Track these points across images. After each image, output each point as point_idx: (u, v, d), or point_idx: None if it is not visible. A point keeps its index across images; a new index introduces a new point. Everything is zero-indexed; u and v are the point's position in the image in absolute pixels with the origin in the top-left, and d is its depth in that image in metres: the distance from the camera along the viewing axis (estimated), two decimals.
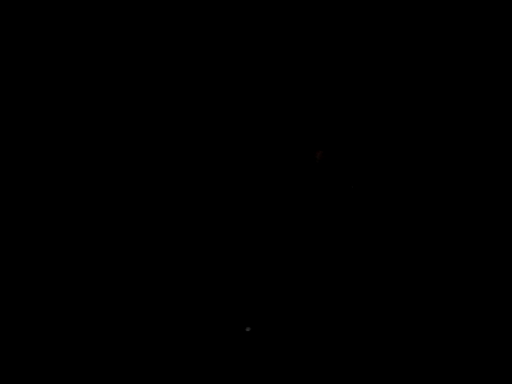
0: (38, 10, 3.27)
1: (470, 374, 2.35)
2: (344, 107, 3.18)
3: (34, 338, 2.61)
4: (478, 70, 3.21)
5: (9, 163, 3.05)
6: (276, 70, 3.18)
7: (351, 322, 2.50)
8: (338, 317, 2.51)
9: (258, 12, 3.27)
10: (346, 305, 2.54)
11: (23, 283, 2.78)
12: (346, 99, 3.18)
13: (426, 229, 2.75)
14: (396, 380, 2.35)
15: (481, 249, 2.64)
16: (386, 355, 2.41)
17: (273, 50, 3.19)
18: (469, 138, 2.98)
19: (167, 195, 3.04)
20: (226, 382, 2.35)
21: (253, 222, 2.87)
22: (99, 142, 3.16)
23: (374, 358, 2.40)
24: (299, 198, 3.00)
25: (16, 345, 2.57)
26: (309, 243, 2.81)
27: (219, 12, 3.24)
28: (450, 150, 2.93)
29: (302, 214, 2.93)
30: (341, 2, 3.24)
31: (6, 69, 3.22)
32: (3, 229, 2.88)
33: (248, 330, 2.54)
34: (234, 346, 2.47)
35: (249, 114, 3.16)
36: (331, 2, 3.22)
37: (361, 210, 2.88)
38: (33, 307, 2.70)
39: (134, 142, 3.23)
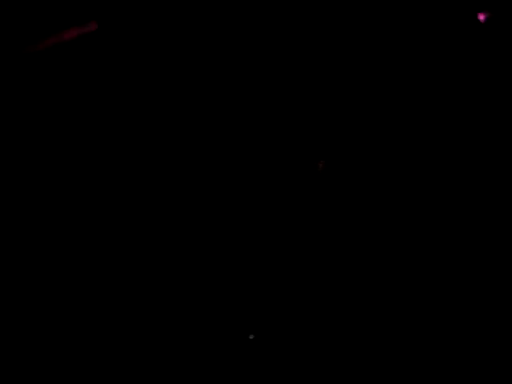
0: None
1: (470, 374, 2.35)
2: (346, 118, 3.18)
3: (34, 337, 2.61)
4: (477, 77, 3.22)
5: (8, 163, 3.04)
6: (276, 78, 3.18)
7: (355, 329, 2.50)
8: (342, 325, 2.52)
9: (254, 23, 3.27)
10: (350, 314, 2.55)
11: (23, 283, 2.77)
12: (348, 109, 3.18)
13: (429, 243, 2.76)
14: (396, 380, 2.35)
15: (481, 252, 2.65)
16: (386, 356, 2.41)
17: (273, 62, 3.19)
18: (469, 142, 2.99)
19: (167, 202, 3.04)
20: None
21: (253, 231, 2.87)
22: (98, 141, 3.15)
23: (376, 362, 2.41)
24: (301, 208, 3.00)
25: (16, 344, 2.57)
26: (310, 252, 2.81)
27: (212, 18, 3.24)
28: (455, 163, 2.94)
29: (304, 224, 2.93)
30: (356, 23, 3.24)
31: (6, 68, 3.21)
32: (3, 229, 2.87)
33: (252, 337, 2.54)
34: (237, 353, 2.48)
35: (249, 124, 3.16)
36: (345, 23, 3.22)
37: (363, 221, 2.88)
38: (32, 307, 2.70)
39: (134, 141, 3.23)
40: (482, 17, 3.01)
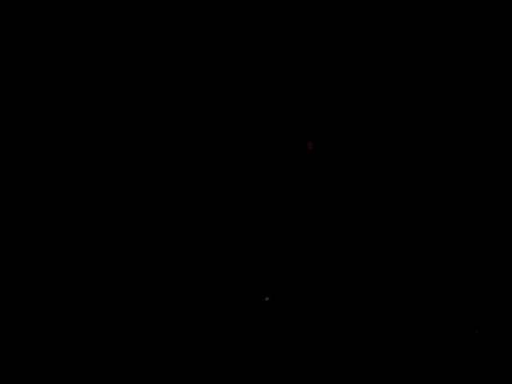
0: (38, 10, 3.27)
1: (469, 374, 2.35)
2: (336, 95, 3.17)
3: (34, 337, 2.61)
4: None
5: (8, 163, 3.05)
6: (265, 58, 3.16)
7: (349, 312, 2.49)
8: (334, 308, 2.51)
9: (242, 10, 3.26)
10: (340, 295, 2.54)
11: (23, 283, 2.77)
12: (338, 87, 3.17)
13: (420, 220, 2.74)
14: (396, 380, 2.35)
15: (480, 247, 2.64)
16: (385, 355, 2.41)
17: (259, 40, 3.17)
18: (463, 133, 2.97)
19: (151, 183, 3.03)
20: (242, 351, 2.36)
21: (244, 212, 2.86)
22: (98, 142, 3.15)
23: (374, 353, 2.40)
24: (291, 188, 2.98)
25: (16, 345, 2.57)
26: (301, 233, 2.80)
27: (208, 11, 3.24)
28: (442, 140, 2.92)
29: (294, 204, 2.91)
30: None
31: (6, 69, 3.22)
32: (3, 229, 2.87)
33: (267, 299, 2.55)
34: (253, 315, 2.48)
35: (237, 102, 3.14)
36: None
37: (353, 200, 2.88)
38: (32, 307, 2.70)
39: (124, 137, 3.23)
40: None
